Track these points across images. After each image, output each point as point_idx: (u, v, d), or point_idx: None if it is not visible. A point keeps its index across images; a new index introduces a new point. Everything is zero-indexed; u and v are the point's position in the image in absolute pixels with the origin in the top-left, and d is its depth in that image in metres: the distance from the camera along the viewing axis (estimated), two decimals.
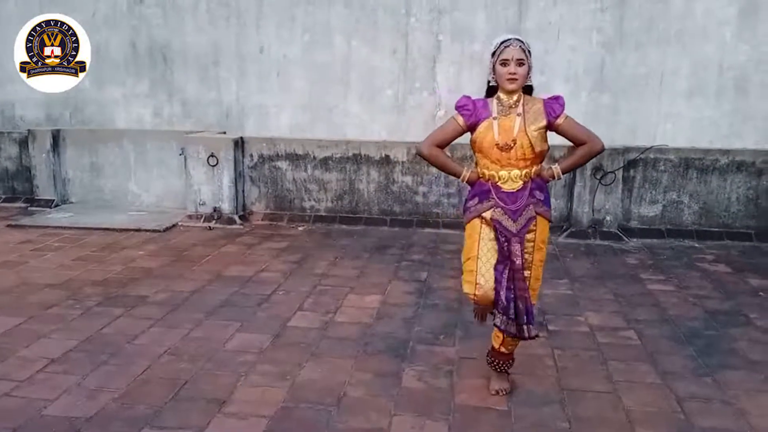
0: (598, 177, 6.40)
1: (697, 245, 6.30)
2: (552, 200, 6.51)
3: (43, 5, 7.43)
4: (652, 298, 4.77)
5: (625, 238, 6.42)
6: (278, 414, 3.09)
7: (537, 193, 3.07)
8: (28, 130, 7.61)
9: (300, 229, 6.85)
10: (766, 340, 4.02)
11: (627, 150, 6.48)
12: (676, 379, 3.48)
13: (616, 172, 6.41)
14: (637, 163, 6.54)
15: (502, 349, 3.27)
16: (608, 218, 6.49)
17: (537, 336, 3.22)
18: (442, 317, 4.34)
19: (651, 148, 6.51)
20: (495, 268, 3.07)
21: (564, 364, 3.65)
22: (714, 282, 5.16)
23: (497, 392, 3.27)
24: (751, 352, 3.84)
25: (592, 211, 6.48)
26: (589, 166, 6.36)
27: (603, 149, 3.15)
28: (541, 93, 3.19)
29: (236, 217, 6.96)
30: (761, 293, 4.91)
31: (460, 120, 3.09)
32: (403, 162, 6.88)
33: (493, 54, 3.01)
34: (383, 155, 6.91)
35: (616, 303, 4.67)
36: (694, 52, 6.53)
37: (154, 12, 7.35)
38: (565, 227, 6.62)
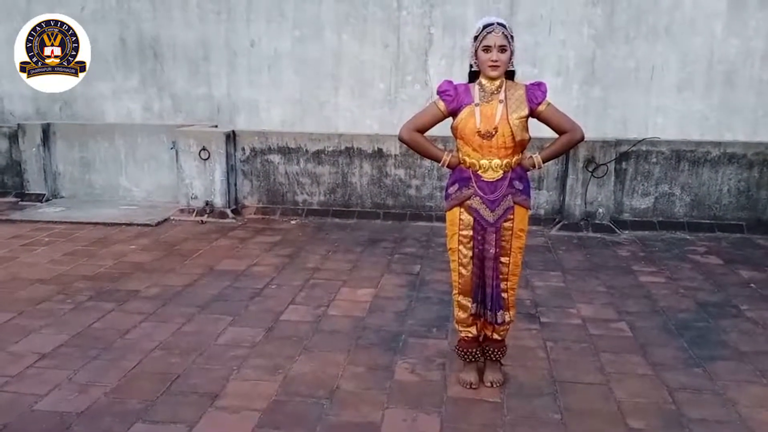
0: (591, 169, 6.41)
1: (688, 237, 6.32)
2: (544, 192, 6.66)
3: (32, 1, 7.37)
4: (644, 290, 4.79)
5: (617, 230, 6.43)
6: (270, 407, 3.08)
7: (516, 183, 3.09)
8: (18, 125, 7.54)
9: (292, 222, 6.84)
10: (757, 331, 4.05)
11: (619, 142, 6.49)
12: (667, 370, 3.50)
13: (608, 165, 6.42)
14: (629, 156, 6.55)
15: (495, 336, 3.29)
16: (600, 210, 6.50)
17: (504, 321, 3.23)
18: (435, 310, 4.34)
19: (643, 140, 6.52)
20: (473, 258, 3.16)
21: (556, 356, 3.66)
22: (705, 273, 5.19)
23: (491, 384, 3.28)
24: (741, 343, 3.86)
25: (585, 203, 6.49)
26: (581, 158, 6.39)
27: (583, 138, 3.16)
28: None
29: (228, 211, 6.94)
30: (752, 285, 4.93)
31: (441, 105, 3.09)
32: (395, 155, 6.86)
33: (475, 38, 2.99)
34: (376, 148, 6.90)
35: (607, 295, 4.68)
36: (684, 46, 6.54)
37: (143, 6, 7.30)
38: (557, 220, 6.64)
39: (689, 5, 6.47)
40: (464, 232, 3.14)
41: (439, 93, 3.11)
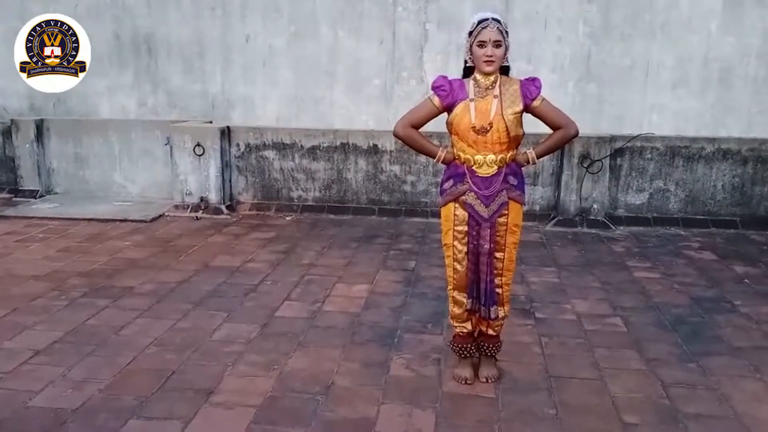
0: (585, 165, 6.42)
1: (683, 233, 6.34)
2: (539, 188, 6.67)
3: None
4: (639, 286, 4.80)
5: (612, 226, 6.45)
6: (265, 403, 3.08)
7: (511, 178, 3.09)
8: (12, 120, 7.52)
9: (287, 218, 6.83)
10: (750, 327, 4.06)
11: (614, 138, 6.51)
12: (661, 365, 3.51)
13: (603, 161, 6.43)
14: (623, 152, 6.56)
15: (490, 331, 3.30)
16: (595, 206, 6.51)
17: (498, 317, 3.23)
18: (430, 306, 4.35)
19: (638, 136, 6.54)
20: (467, 254, 3.15)
21: (551, 352, 3.67)
22: (699, 269, 5.20)
23: (486, 379, 3.29)
24: (735, 338, 3.88)
25: (580, 199, 6.50)
26: (576, 154, 6.40)
27: (578, 133, 3.16)
28: None
29: (223, 207, 6.92)
30: (746, 280, 4.95)
31: (436, 101, 3.08)
32: (391, 151, 6.86)
33: (470, 34, 2.98)
34: (371, 144, 6.89)
35: (602, 290, 4.69)
36: (680, 44, 6.54)
37: (137, 2, 7.26)
38: (552, 216, 6.65)
39: (685, 3, 6.47)
40: (459, 228, 3.14)
41: (433, 88, 3.11)
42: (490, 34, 2.92)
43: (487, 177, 3.06)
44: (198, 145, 6.81)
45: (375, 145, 6.88)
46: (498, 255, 3.16)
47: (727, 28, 6.45)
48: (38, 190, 7.51)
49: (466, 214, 3.11)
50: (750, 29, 6.44)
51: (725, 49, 6.50)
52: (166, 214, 6.84)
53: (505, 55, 3.00)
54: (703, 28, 6.49)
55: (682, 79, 6.61)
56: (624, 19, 6.56)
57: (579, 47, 6.67)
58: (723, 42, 6.49)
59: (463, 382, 3.27)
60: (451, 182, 3.14)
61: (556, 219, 6.57)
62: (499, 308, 3.21)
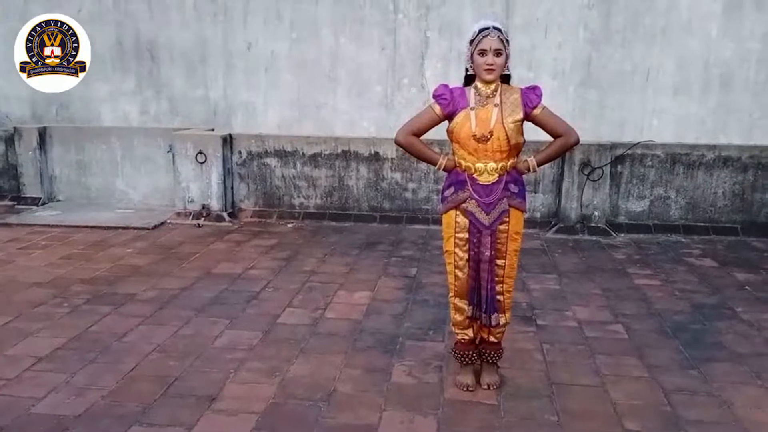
0: (586, 173, 6.44)
1: (683, 240, 6.35)
2: (540, 196, 6.68)
3: (28, 1, 7.38)
4: (640, 293, 4.81)
5: (612, 233, 6.45)
6: (268, 410, 3.09)
7: (511, 186, 3.11)
8: (14, 128, 7.55)
9: (289, 226, 6.84)
10: (752, 333, 4.06)
11: (614, 146, 6.52)
12: (662, 372, 3.51)
13: (604, 168, 6.44)
14: (624, 159, 6.57)
15: (491, 338, 3.30)
16: (596, 214, 6.52)
17: (499, 324, 3.23)
18: (432, 313, 4.35)
19: (638, 143, 6.55)
20: (468, 261, 3.17)
21: (552, 358, 3.68)
22: (700, 276, 5.21)
23: (488, 386, 3.29)
24: (736, 344, 3.88)
25: (580, 206, 6.51)
26: (577, 161, 6.41)
27: (578, 142, 3.18)
28: None
29: (225, 215, 6.94)
30: (747, 287, 4.95)
31: (437, 109, 3.10)
32: (392, 158, 6.88)
33: (471, 42, 3.00)
34: (372, 152, 6.91)
35: (603, 297, 4.70)
36: (680, 48, 6.58)
37: (139, 8, 7.31)
38: (553, 223, 6.65)
39: (685, 7, 6.51)
40: (460, 235, 3.16)
41: (435, 97, 3.13)
42: (490, 42, 2.94)
43: (488, 185, 3.07)
44: (200, 152, 6.83)
45: (376, 153, 6.90)
46: (499, 262, 3.17)
47: (727, 32, 6.50)
48: (41, 198, 7.53)
49: (467, 222, 3.13)
50: (749, 33, 6.47)
51: (725, 53, 6.53)
52: (168, 221, 6.86)
53: (506, 63, 3.02)
54: (702, 33, 6.53)
55: (683, 84, 6.64)
56: (624, 24, 6.60)
57: (579, 52, 6.71)
58: (723, 46, 6.52)
59: (464, 389, 3.28)
60: (452, 190, 3.16)
61: (556, 226, 6.58)
62: (500, 315, 3.22)
